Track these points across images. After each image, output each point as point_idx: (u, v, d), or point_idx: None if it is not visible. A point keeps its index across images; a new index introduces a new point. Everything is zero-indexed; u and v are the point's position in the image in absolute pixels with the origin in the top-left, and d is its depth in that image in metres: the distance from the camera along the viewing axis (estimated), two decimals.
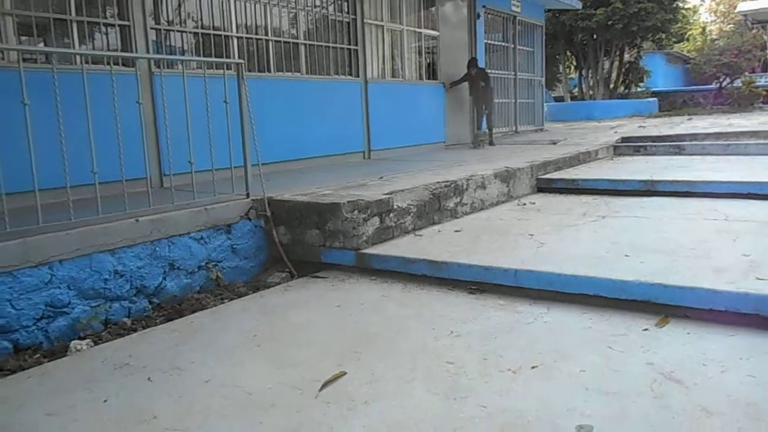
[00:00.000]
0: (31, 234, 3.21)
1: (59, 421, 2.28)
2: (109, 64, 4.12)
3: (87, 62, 4.26)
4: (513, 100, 12.45)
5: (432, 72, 9.78)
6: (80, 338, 3.28)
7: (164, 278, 3.81)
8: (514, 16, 12.17)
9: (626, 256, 3.54)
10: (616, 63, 22.56)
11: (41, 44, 5.01)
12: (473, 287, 3.54)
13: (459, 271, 3.61)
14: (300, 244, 4.32)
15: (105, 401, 2.41)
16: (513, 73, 12.38)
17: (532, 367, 2.47)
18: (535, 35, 13.32)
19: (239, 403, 2.35)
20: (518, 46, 12.48)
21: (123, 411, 2.32)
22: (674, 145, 8.65)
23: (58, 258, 3.29)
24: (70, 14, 4.92)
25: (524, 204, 5.72)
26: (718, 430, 1.95)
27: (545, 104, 14.89)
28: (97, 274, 3.46)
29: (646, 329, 2.80)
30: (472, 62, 9.95)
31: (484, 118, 10.18)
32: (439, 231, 4.57)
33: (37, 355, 3.12)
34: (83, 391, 2.52)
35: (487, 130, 10.13)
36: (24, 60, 3.59)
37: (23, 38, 4.87)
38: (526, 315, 3.10)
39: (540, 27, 13.45)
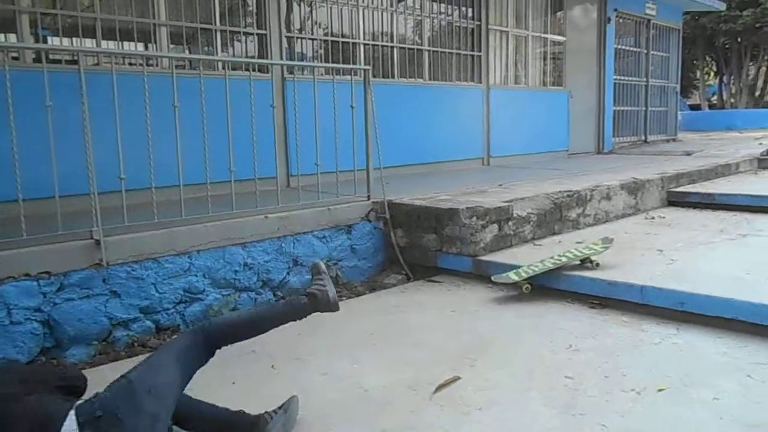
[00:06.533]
0: (175, 225, 3.51)
1: None
2: (247, 70, 4.41)
3: (227, 68, 4.59)
4: (643, 108, 11.78)
5: (557, 78, 9.49)
6: None
7: (288, 273, 4.01)
8: (648, 20, 11.51)
9: None
10: (764, 69, 20.69)
11: (187, 52, 5.47)
12: (595, 302, 3.40)
13: (580, 283, 3.49)
14: (417, 247, 4.37)
15: (233, 383, 2.59)
16: (645, 79, 11.71)
17: (659, 390, 2.34)
18: (671, 39, 12.51)
19: (355, 397, 2.43)
20: (651, 51, 11.79)
21: (247, 392, 2.47)
22: None
23: (196, 248, 3.57)
24: (215, 24, 5.32)
25: (653, 218, 5.40)
26: None
27: (679, 113, 13.95)
28: (229, 266, 3.72)
29: None
30: None
31: None
32: (560, 242, 4.43)
33: (175, 336, 3.40)
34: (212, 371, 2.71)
35: None
36: (174, 66, 3.93)
37: (172, 46, 5.34)
38: (653, 334, 2.93)
39: (677, 30, 12.62)
